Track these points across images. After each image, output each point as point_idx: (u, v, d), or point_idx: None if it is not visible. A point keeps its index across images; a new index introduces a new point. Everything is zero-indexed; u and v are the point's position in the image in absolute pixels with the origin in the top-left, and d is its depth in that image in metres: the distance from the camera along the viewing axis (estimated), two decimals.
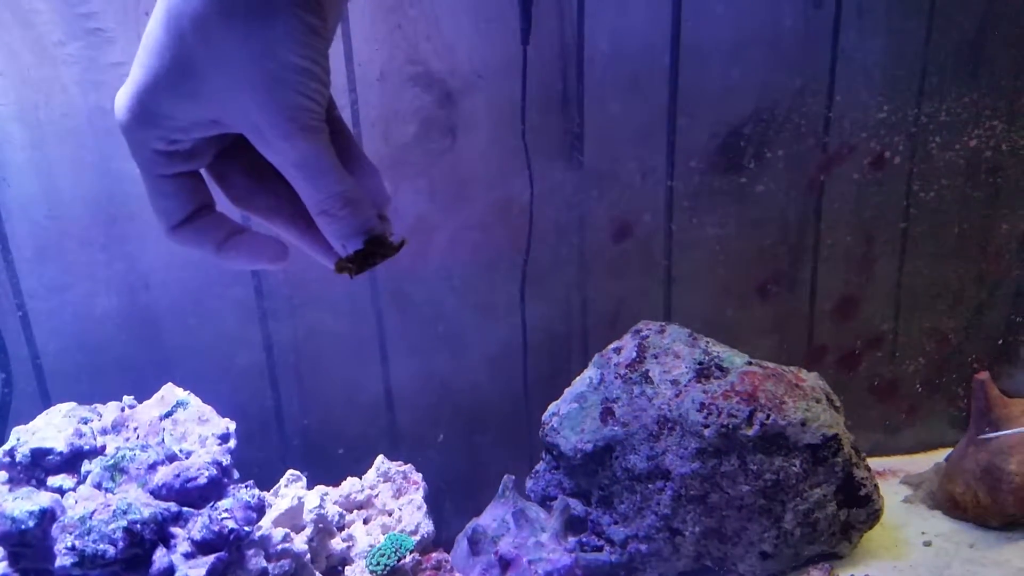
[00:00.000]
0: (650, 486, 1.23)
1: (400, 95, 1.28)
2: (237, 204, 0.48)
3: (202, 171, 0.47)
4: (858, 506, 1.27)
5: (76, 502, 0.92)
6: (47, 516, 0.88)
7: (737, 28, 1.35)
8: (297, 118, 0.41)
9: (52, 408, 1.05)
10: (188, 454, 1.01)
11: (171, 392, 1.10)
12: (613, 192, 1.40)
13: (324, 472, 1.25)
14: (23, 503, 0.87)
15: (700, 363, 1.26)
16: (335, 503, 1.12)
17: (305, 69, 0.40)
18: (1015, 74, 1.43)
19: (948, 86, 1.41)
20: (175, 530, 0.92)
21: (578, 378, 1.33)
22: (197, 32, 0.39)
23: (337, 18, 0.44)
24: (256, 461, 1.21)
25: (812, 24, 1.37)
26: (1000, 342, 1.59)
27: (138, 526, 0.87)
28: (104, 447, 1.01)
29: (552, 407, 1.31)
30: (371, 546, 1.05)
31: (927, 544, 1.33)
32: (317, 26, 0.40)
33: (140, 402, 1.12)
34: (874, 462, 1.37)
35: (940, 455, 1.49)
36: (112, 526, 0.86)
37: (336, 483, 1.21)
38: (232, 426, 1.07)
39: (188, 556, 0.90)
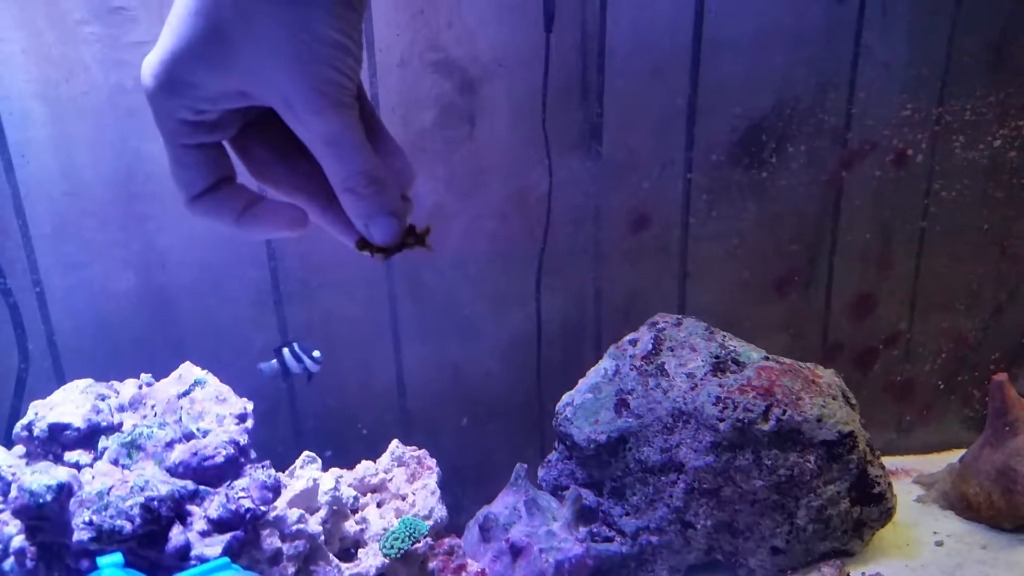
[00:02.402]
0: (663, 478, 1.22)
1: (420, 81, 1.28)
2: (258, 178, 0.47)
3: (224, 143, 0.46)
4: (871, 504, 1.26)
5: (93, 478, 0.92)
6: (65, 490, 0.88)
7: (760, 21, 1.34)
8: (329, 93, 0.40)
9: (70, 384, 1.06)
10: (205, 433, 1.01)
11: (189, 371, 1.10)
12: (631, 183, 1.40)
13: (338, 456, 1.25)
14: (41, 477, 0.87)
15: (716, 357, 1.26)
16: (349, 486, 1.12)
17: (339, 43, 0.40)
18: None
19: (973, 85, 1.40)
20: (192, 508, 0.92)
21: (593, 369, 1.33)
22: (231, 1, 0.39)
23: None
24: (270, 443, 1.21)
25: (835, 19, 1.36)
26: (1018, 344, 1.58)
27: (155, 503, 0.88)
28: (121, 424, 1.01)
29: (566, 397, 1.31)
30: (385, 529, 1.05)
31: (939, 544, 1.33)
32: (351, 0, 0.40)
33: (157, 380, 1.12)
34: (888, 461, 1.36)
35: (954, 456, 1.49)
36: (129, 502, 0.86)
37: (350, 467, 1.21)
38: (250, 406, 1.07)
39: (204, 534, 0.90)
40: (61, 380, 1.22)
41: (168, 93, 0.42)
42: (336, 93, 0.41)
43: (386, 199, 0.43)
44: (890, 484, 1.28)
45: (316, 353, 1.17)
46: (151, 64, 0.42)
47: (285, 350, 1.18)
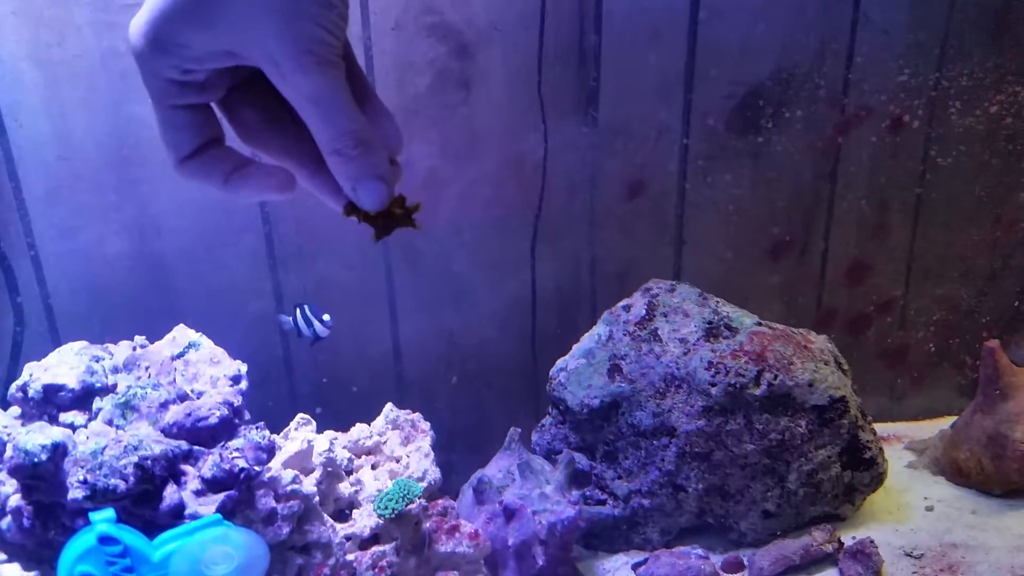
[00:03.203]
0: (655, 442, 1.23)
1: (415, 46, 1.27)
2: (247, 141, 0.47)
3: (213, 105, 0.46)
4: (862, 469, 1.27)
5: (87, 438, 0.93)
6: (59, 450, 0.89)
7: None
8: (314, 51, 0.40)
9: (64, 346, 1.06)
10: (199, 394, 1.01)
11: (183, 333, 1.10)
12: (627, 149, 1.39)
13: (333, 419, 1.26)
14: (36, 436, 0.88)
15: (709, 322, 1.26)
16: (344, 448, 1.13)
17: (324, 0, 0.40)
18: None
19: (971, 51, 1.39)
20: (186, 468, 0.93)
21: (587, 334, 1.33)
22: None
23: None
24: (265, 408, 1.21)
25: None
26: (1011, 311, 1.58)
27: (149, 462, 0.88)
28: (115, 385, 1.01)
29: (560, 362, 1.32)
30: (379, 491, 1.06)
31: (929, 509, 1.34)
32: None
33: (152, 343, 1.12)
34: (880, 427, 1.37)
35: (946, 422, 1.50)
36: (123, 461, 0.87)
37: (344, 430, 1.22)
38: (244, 368, 1.07)
39: (198, 493, 0.91)
40: (57, 343, 1.23)
41: (155, 52, 0.42)
42: (322, 51, 0.40)
43: (374, 161, 0.43)
44: (881, 449, 1.29)
45: (326, 317, 1.19)
46: (138, 24, 0.42)
47: (298, 310, 1.20)
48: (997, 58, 1.40)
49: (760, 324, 1.27)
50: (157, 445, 0.89)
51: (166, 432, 0.95)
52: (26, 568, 0.94)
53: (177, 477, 0.91)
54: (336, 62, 0.41)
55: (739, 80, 1.37)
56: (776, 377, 1.19)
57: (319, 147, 0.43)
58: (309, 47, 0.40)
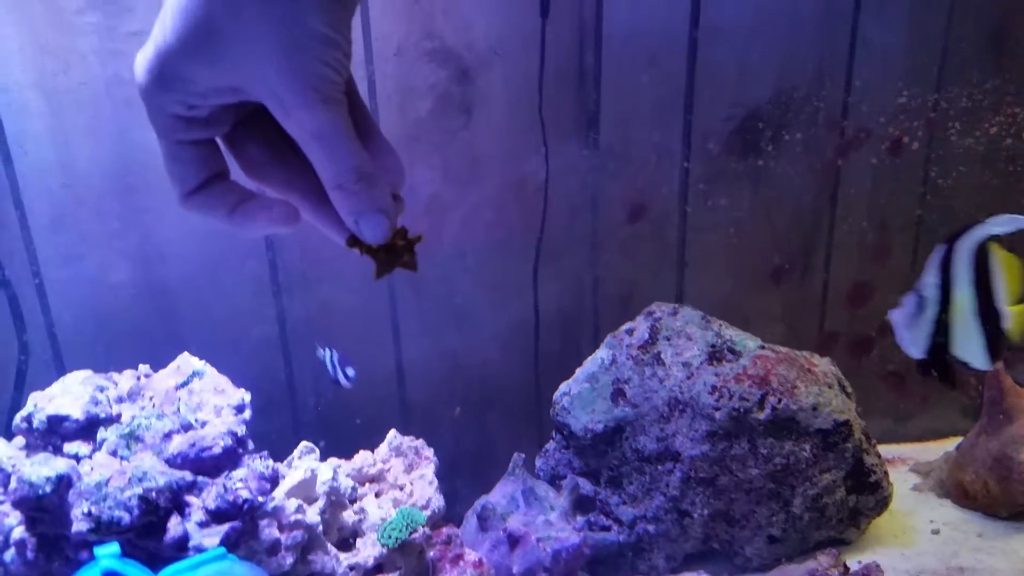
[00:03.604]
0: (659, 467, 1.23)
1: (416, 70, 1.28)
2: (251, 175, 0.47)
3: (218, 140, 0.47)
4: (867, 492, 1.27)
5: (92, 469, 0.93)
6: (64, 482, 0.89)
7: (757, 9, 1.34)
8: (318, 87, 0.41)
9: (69, 375, 1.06)
10: (203, 424, 1.01)
11: (187, 362, 1.10)
12: (628, 172, 1.40)
13: (336, 446, 1.26)
14: (41, 468, 0.88)
15: (712, 346, 1.26)
16: (347, 476, 1.13)
17: (328, 37, 0.40)
18: None
19: (969, 72, 1.40)
20: (190, 499, 0.92)
21: (590, 358, 1.33)
22: None
23: None
24: (269, 434, 1.21)
25: (832, 7, 1.35)
26: None
27: (153, 494, 0.88)
28: (120, 415, 1.01)
29: (563, 387, 1.31)
30: (383, 519, 1.06)
31: (935, 532, 1.33)
32: None
33: (156, 371, 1.12)
34: (884, 449, 1.37)
35: (951, 444, 1.49)
36: (128, 493, 0.87)
37: (348, 456, 1.21)
38: (247, 397, 1.07)
39: (202, 525, 0.91)
40: (61, 371, 1.23)
41: (160, 88, 0.42)
42: (325, 88, 0.41)
43: (376, 196, 0.43)
44: (886, 473, 1.29)
45: (350, 371, 1.20)
46: (143, 59, 0.42)
47: (328, 352, 1.21)
48: (995, 79, 1.41)
49: (763, 347, 1.27)
50: (161, 476, 0.89)
51: (170, 462, 0.95)
52: None
53: (181, 508, 0.91)
54: (339, 98, 0.42)
55: (738, 103, 1.38)
56: (780, 401, 1.19)
57: (322, 182, 0.43)
58: (312, 83, 0.40)
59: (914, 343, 0.59)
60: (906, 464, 1.53)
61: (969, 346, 0.59)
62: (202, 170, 0.45)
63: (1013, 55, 1.40)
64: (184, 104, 0.43)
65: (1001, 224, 0.55)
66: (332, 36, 0.40)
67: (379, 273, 0.47)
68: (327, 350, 1.23)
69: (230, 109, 0.45)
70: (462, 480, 1.37)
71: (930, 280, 0.59)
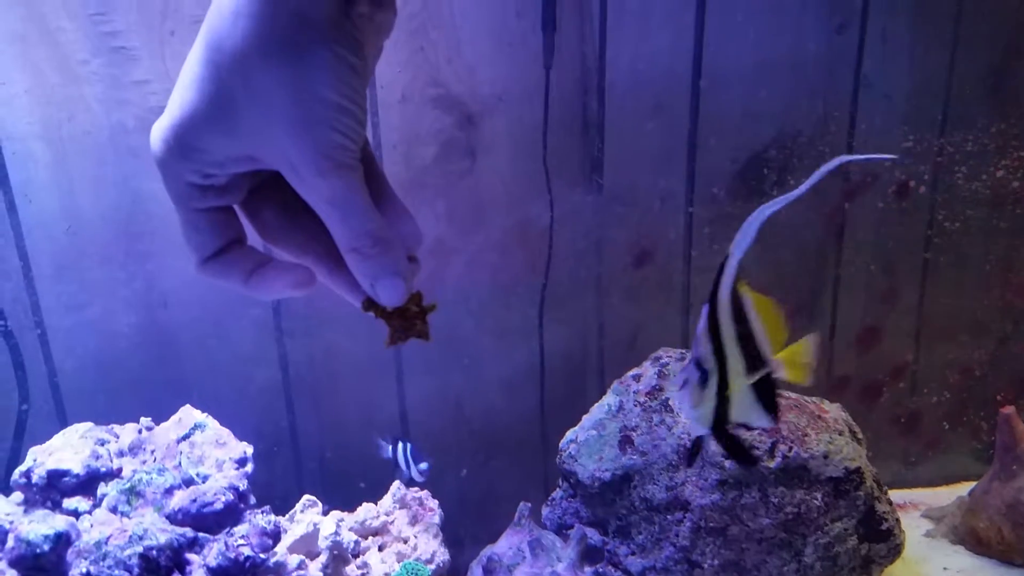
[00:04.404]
0: (669, 517, 1.21)
1: (421, 117, 1.28)
2: (267, 240, 0.48)
3: (234, 206, 0.47)
4: (879, 540, 1.24)
5: (92, 526, 0.91)
6: (62, 540, 0.87)
7: (759, 53, 1.34)
8: (332, 155, 0.41)
9: (69, 428, 1.05)
10: (205, 478, 1.00)
11: (189, 414, 1.09)
12: (633, 217, 1.39)
13: (339, 493, 1.24)
14: (39, 526, 0.87)
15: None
16: (350, 529, 1.11)
17: (342, 107, 0.40)
18: None
19: (974, 115, 1.40)
20: (190, 556, 0.91)
21: (596, 405, 1.31)
22: (236, 68, 0.39)
23: (376, 56, 0.43)
24: (272, 481, 1.20)
25: (835, 51, 1.36)
26: None
27: (154, 552, 0.87)
28: (121, 469, 1.00)
29: (570, 434, 1.30)
30: (386, 574, 1.04)
31: None
32: (355, 64, 0.40)
33: (158, 423, 1.11)
34: (895, 494, 1.35)
35: (963, 488, 1.47)
36: (128, 552, 0.86)
37: (350, 505, 1.20)
38: (249, 450, 1.06)
39: None
40: (63, 421, 1.22)
41: (177, 158, 0.43)
42: (339, 155, 0.41)
43: (391, 260, 0.44)
44: (898, 520, 1.27)
45: (423, 465, 1.17)
46: (159, 130, 0.43)
47: (401, 445, 1.19)
48: (1000, 123, 1.41)
49: None
50: (162, 534, 0.88)
51: (171, 518, 0.93)
52: None
53: (182, 567, 0.89)
54: (353, 165, 0.42)
55: (742, 147, 1.38)
56: (791, 449, 1.17)
57: (338, 246, 0.43)
58: (326, 152, 0.41)
59: (701, 419, 0.57)
60: (918, 509, 1.50)
61: (744, 407, 0.57)
62: (219, 237, 0.46)
63: (1016, 98, 1.40)
64: (200, 173, 0.43)
65: (740, 248, 0.53)
66: (345, 104, 0.40)
67: (392, 340, 0.48)
68: (397, 442, 1.18)
69: (246, 176, 0.45)
70: (467, 529, 1.35)
71: (703, 350, 0.56)
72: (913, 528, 1.41)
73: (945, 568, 1.34)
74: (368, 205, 0.42)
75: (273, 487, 1.16)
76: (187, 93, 0.41)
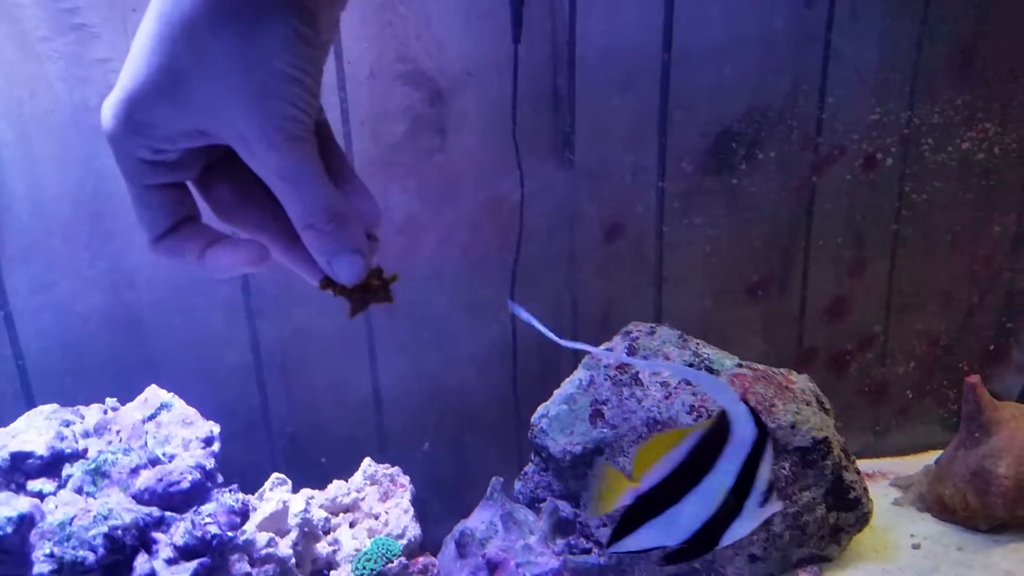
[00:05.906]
0: None
1: (390, 94, 1.27)
2: (222, 218, 0.47)
3: (188, 183, 0.46)
4: (847, 509, 1.26)
5: (56, 507, 0.91)
6: (25, 522, 0.87)
7: (729, 28, 1.34)
8: (284, 128, 0.40)
9: (33, 410, 1.04)
10: (171, 458, 1.00)
11: (155, 394, 1.09)
12: (604, 192, 1.39)
13: (310, 472, 1.24)
14: (1, 509, 0.86)
15: (690, 365, 1.25)
16: (321, 506, 1.11)
17: (293, 78, 0.40)
18: (1008, 77, 1.42)
19: (941, 88, 1.41)
20: (157, 535, 0.91)
21: (567, 380, 1.32)
22: (185, 38, 0.39)
23: (331, 29, 0.43)
24: (242, 461, 1.20)
25: (805, 25, 1.36)
26: (991, 344, 1.59)
27: (119, 532, 0.86)
28: (86, 450, 1.00)
29: (541, 409, 1.30)
30: (357, 550, 1.04)
31: (916, 547, 1.33)
32: (307, 35, 0.40)
33: (124, 403, 1.10)
34: (864, 464, 1.37)
35: (930, 457, 1.49)
36: (92, 532, 0.85)
37: (322, 485, 1.20)
38: (216, 429, 1.06)
39: (170, 562, 0.89)
40: (30, 403, 1.21)
41: (127, 133, 0.42)
42: (292, 127, 0.40)
43: (349, 236, 0.43)
44: (866, 489, 1.28)
45: None
46: (110, 105, 0.42)
47: None
48: (966, 95, 1.41)
49: (741, 365, 1.26)
50: (128, 514, 0.88)
51: (137, 498, 0.93)
52: None
53: (148, 546, 0.89)
54: (306, 137, 0.41)
55: (712, 121, 1.38)
56: None
57: (293, 222, 0.42)
58: (278, 124, 0.40)
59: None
60: (886, 478, 1.53)
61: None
62: (171, 215, 0.45)
63: (983, 72, 1.41)
64: (151, 149, 0.42)
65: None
66: (297, 76, 0.40)
67: (353, 311, 0.47)
68: None
69: (199, 153, 0.44)
70: (439, 505, 1.35)
71: None
72: (881, 497, 1.43)
73: (912, 535, 1.36)
74: (323, 179, 0.42)
75: (244, 466, 1.15)
76: (136, 66, 0.40)
